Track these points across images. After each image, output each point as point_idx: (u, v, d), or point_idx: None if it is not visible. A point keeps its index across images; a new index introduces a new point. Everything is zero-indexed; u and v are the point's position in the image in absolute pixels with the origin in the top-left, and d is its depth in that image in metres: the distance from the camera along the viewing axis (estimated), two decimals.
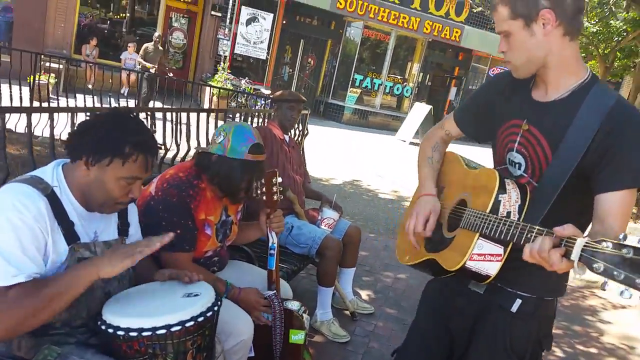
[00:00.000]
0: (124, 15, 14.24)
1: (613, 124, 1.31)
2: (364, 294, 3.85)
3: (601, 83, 1.44)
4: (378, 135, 15.00)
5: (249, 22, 13.98)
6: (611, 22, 8.49)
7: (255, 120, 5.41)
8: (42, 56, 8.28)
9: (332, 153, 9.78)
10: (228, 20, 13.63)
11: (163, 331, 1.43)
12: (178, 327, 1.45)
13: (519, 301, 1.51)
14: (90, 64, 9.56)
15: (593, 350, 3.62)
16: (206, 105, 11.69)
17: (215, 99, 11.30)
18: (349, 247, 3.32)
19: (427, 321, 1.77)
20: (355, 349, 3.07)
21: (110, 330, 1.44)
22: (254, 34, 14.13)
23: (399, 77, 17.53)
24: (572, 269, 1.11)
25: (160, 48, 10.82)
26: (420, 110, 14.70)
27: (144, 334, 1.42)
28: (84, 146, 1.49)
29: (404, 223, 1.85)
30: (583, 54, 10.60)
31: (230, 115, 6.77)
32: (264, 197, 2.20)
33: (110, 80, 7.93)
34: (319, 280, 3.12)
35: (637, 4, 8.13)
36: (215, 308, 1.57)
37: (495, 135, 1.60)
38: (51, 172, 1.54)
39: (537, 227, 1.22)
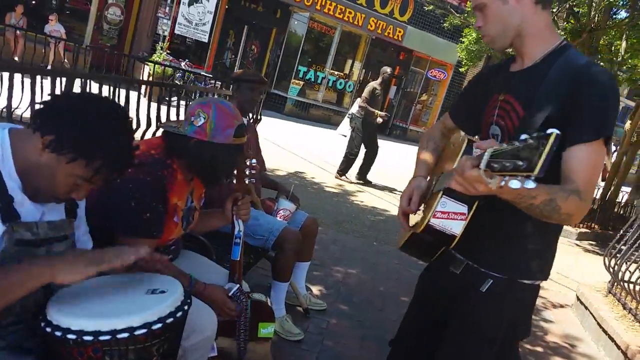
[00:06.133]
0: None
1: (578, 83, 1.33)
2: (315, 290, 3.70)
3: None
4: (319, 129, 14.86)
5: (191, 2, 13.39)
6: None
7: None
8: None
9: (274, 144, 9.55)
10: None
11: (125, 335, 1.20)
12: (143, 330, 1.23)
13: (489, 281, 1.50)
14: (17, 34, 8.76)
15: (539, 349, 3.67)
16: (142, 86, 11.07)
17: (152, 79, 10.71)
18: (306, 240, 3.15)
19: (419, 310, 1.81)
20: (310, 347, 2.91)
21: (58, 333, 1.19)
22: (196, 15, 13.55)
23: (341, 72, 17.51)
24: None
25: None
26: None
27: (102, 338, 1.19)
28: (53, 127, 1.23)
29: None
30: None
31: (168, 98, 6.32)
32: (234, 181, 1.99)
33: (43, 51, 7.32)
34: (274, 274, 2.93)
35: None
36: (185, 307, 1.35)
37: (481, 120, 1.61)
38: None
39: None
